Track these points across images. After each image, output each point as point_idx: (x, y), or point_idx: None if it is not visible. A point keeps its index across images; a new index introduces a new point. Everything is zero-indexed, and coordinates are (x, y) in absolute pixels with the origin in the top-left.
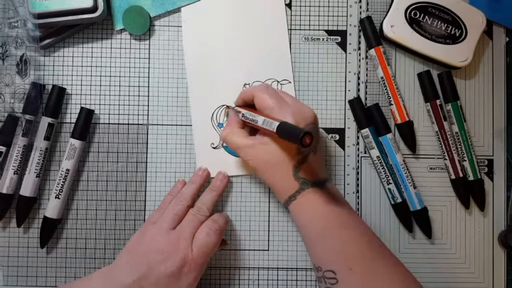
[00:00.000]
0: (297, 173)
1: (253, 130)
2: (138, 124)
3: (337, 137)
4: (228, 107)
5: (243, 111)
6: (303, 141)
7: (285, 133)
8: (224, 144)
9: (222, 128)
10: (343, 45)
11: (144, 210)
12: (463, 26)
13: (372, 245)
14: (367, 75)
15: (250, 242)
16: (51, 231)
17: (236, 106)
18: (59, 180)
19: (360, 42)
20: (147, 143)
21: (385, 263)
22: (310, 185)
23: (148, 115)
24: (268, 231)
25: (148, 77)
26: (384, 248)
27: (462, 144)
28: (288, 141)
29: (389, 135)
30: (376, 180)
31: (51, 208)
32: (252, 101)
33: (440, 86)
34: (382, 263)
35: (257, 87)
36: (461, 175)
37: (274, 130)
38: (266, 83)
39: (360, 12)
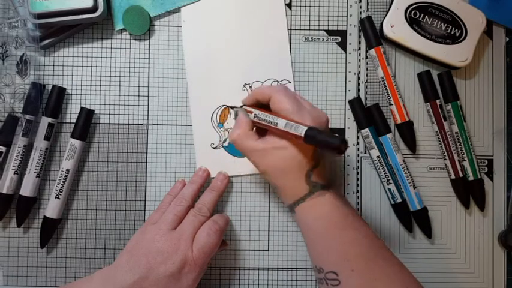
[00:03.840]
0: (309, 177)
1: (259, 131)
2: (138, 124)
3: None
4: (232, 107)
5: (256, 111)
6: (340, 149)
7: (316, 139)
8: (224, 144)
9: (222, 128)
10: (343, 45)
11: (144, 210)
12: (463, 26)
13: (374, 247)
14: (367, 75)
15: (250, 242)
16: (51, 231)
17: (244, 106)
18: (59, 180)
19: (360, 42)
20: (147, 143)
21: (387, 264)
22: (320, 188)
23: (148, 115)
24: (268, 231)
25: (148, 77)
26: (386, 250)
27: (462, 144)
28: (319, 147)
29: (389, 135)
30: (376, 180)
31: (51, 208)
32: (267, 102)
33: (440, 86)
34: (383, 264)
35: (274, 88)
36: (461, 175)
37: (302, 135)
38: (283, 84)
39: (360, 12)
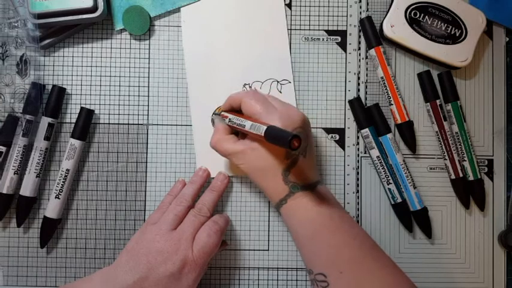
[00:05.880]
0: (286, 177)
1: (242, 134)
2: (138, 124)
3: (337, 137)
4: (213, 114)
5: (230, 116)
6: (291, 145)
7: (273, 137)
8: None
9: None
10: (343, 45)
11: (144, 210)
12: (463, 26)
13: (364, 248)
14: (367, 75)
15: (250, 242)
16: (51, 231)
17: (223, 111)
18: (59, 180)
19: (360, 42)
20: (147, 143)
21: (377, 265)
22: (300, 189)
23: (148, 115)
24: (268, 231)
25: (148, 77)
26: (376, 249)
27: (462, 144)
28: (276, 145)
29: (389, 135)
30: (376, 180)
31: (51, 208)
32: (239, 107)
33: (440, 86)
34: (373, 265)
35: (244, 93)
36: (461, 175)
37: (262, 134)
38: (253, 88)
39: (360, 12)
